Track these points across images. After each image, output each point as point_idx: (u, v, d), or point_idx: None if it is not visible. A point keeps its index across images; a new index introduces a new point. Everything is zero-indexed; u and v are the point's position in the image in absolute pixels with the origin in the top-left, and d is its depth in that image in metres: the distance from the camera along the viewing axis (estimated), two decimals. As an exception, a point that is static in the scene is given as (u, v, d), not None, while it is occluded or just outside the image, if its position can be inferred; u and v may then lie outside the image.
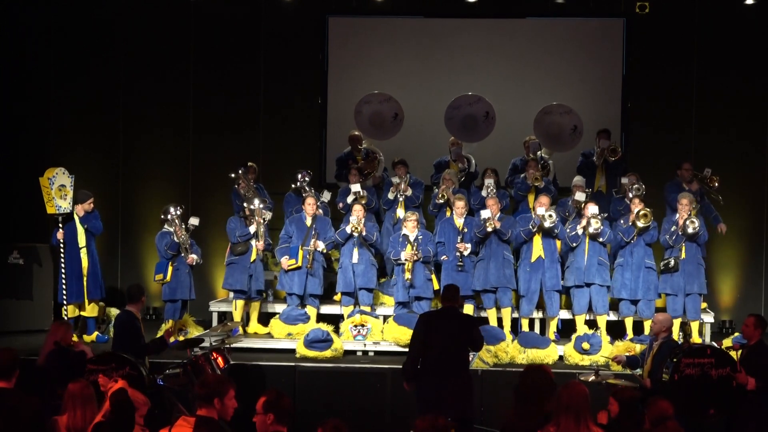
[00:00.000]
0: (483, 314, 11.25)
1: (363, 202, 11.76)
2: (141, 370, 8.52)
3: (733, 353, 8.65)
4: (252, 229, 11.35)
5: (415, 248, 11.06)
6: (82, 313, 11.52)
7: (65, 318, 11.04)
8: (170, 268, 11.15)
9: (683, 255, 11.02)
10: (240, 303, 11.39)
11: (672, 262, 10.99)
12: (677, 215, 11.05)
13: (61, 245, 11.42)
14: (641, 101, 13.64)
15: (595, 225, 10.93)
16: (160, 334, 11.05)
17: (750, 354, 8.39)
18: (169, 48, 13.83)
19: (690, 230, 10.88)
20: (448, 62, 13.75)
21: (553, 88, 13.34)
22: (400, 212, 11.86)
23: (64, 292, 11.30)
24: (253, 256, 11.39)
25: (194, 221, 11.41)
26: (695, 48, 13.50)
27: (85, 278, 11.39)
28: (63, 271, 11.36)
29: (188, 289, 11.25)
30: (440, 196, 11.79)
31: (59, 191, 11.37)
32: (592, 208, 11.01)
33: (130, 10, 13.65)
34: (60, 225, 11.37)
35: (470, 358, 8.88)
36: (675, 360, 8.34)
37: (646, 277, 11.10)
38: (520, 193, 12.05)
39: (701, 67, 13.47)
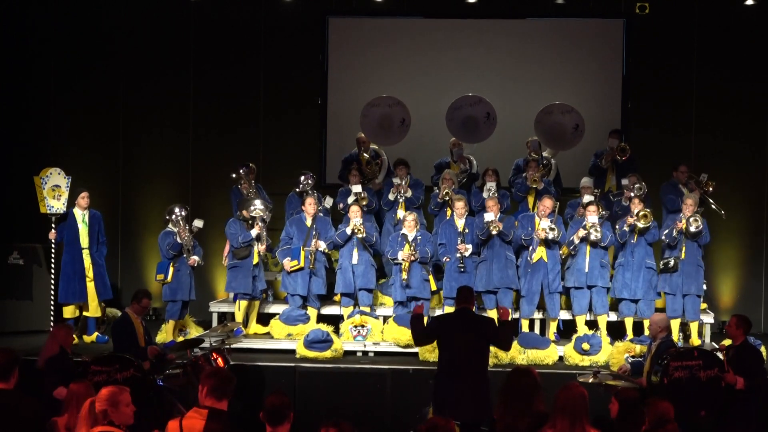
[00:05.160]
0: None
1: (364, 203, 11.74)
2: (144, 372, 8.51)
3: (721, 354, 8.67)
4: (254, 233, 11.31)
5: (412, 248, 11.05)
6: (85, 313, 11.53)
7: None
8: (171, 269, 11.15)
9: (683, 255, 11.02)
10: (243, 303, 11.36)
11: (672, 262, 10.99)
12: (680, 214, 11.05)
13: (53, 245, 11.56)
14: (641, 102, 13.62)
15: (595, 234, 10.93)
16: (160, 335, 11.11)
17: (736, 354, 8.42)
18: (169, 48, 13.82)
19: (693, 228, 10.86)
20: (449, 63, 13.72)
21: (553, 89, 13.30)
22: (401, 213, 11.83)
23: (52, 292, 11.41)
24: (255, 259, 11.36)
25: (198, 223, 11.41)
26: (695, 48, 13.49)
27: (89, 279, 11.41)
28: (53, 270, 11.56)
29: (189, 289, 11.25)
30: (442, 194, 11.76)
31: (52, 191, 11.41)
32: (592, 218, 11.00)
33: (131, 11, 13.64)
34: (53, 225, 11.46)
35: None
36: (664, 363, 8.33)
37: (647, 277, 11.10)
38: (520, 194, 12.04)
39: (701, 68, 13.46)
